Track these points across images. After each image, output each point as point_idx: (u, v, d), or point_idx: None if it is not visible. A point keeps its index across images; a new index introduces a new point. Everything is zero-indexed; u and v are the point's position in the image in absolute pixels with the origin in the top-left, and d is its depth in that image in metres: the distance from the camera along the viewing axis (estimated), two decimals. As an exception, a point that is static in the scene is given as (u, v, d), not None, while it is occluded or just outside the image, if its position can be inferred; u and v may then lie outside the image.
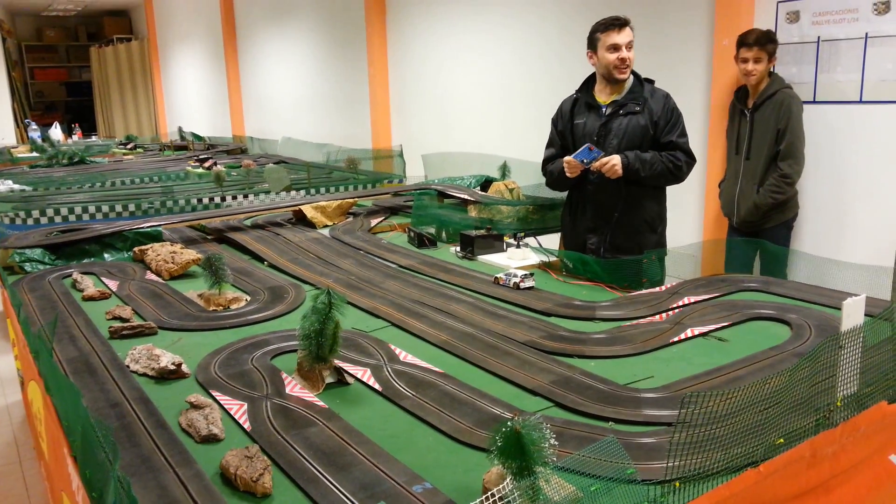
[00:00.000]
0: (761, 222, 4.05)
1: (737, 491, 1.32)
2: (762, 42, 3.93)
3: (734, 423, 1.35)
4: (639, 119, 3.26)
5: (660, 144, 3.28)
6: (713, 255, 3.74)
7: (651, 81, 3.37)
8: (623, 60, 3.22)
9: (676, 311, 2.49)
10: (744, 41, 3.99)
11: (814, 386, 1.48)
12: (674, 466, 1.28)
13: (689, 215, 4.86)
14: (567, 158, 3.27)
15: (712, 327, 2.30)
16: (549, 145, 3.56)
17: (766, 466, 1.37)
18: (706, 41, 4.72)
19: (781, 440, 1.42)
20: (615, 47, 3.21)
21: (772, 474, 1.37)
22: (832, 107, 4.11)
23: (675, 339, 2.23)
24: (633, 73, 3.33)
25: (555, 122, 3.52)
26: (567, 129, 3.45)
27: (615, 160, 3.21)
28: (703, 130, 4.71)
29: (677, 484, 1.26)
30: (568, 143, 3.43)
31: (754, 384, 1.37)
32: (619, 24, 3.22)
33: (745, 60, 3.97)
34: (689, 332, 2.26)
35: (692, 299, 2.58)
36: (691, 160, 3.31)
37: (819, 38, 4.12)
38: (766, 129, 3.92)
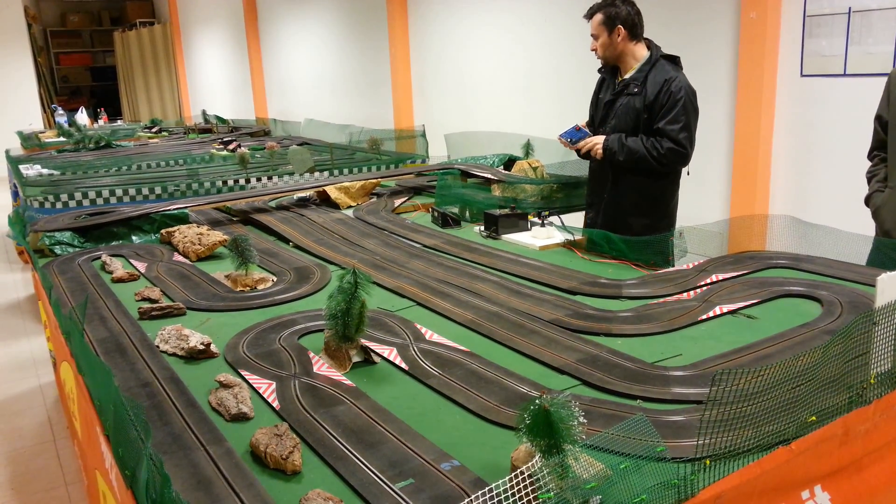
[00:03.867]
0: None
1: (768, 469, 1.31)
2: None
3: (765, 400, 1.34)
4: (634, 101, 3.20)
5: (650, 129, 3.19)
6: (740, 233, 3.69)
7: (672, 59, 3.24)
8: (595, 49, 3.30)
9: (704, 288, 2.46)
10: None
11: (847, 363, 1.46)
12: (704, 444, 1.27)
13: (713, 199, 4.79)
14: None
15: (741, 305, 2.27)
16: None
17: (798, 444, 1.36)
18: (733, 15, 4.62)
19: (813, 418, 1.40)
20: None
21: (803, 452, 1.36)
22: (864, 80, 4.01)
23: (704, 316, 2.20)
24: (652, 50, 3.23)
25: (593, 92, 3.56)
26: (593, 102, 3.49)
27: (596, 141, 3.26)
28: (729, 109, 4.63)
29: (707, 462, 1.26)
30: (594, 115, 3.47)
31: (786, 361, 1.35)
32: (586, 15, 3.30)
33: None
34: (717, 310, 2.24)
35: (720, 276, 2.55)
36: (679, 148, 3.12)
37: (850, 8, 4.00)
38: None
